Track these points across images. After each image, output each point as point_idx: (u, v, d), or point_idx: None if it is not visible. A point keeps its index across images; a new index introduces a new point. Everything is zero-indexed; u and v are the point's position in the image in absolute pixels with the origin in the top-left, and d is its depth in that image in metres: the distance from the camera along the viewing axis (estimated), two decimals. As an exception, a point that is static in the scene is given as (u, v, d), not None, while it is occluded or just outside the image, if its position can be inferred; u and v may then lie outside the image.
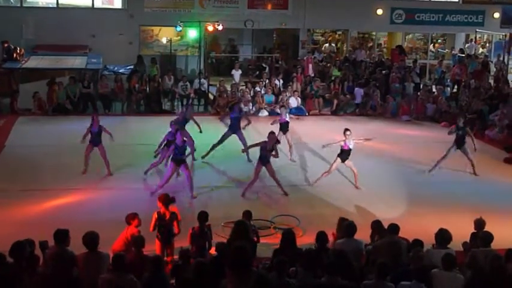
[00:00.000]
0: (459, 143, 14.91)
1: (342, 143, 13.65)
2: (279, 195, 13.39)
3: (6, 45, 22.61)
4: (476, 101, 21.02)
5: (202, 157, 15.50)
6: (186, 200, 12.69)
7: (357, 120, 14.21)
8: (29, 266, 7.47)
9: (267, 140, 13.35)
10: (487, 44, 30.95)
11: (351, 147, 13.64)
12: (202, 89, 22.87)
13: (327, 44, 29.23)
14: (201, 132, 15.88)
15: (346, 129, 13.79)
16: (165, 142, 13.98)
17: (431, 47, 30.76)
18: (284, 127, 15.88)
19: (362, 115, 21.82)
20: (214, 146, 15.59)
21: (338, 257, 7.59)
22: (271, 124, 15.87)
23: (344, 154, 13.70)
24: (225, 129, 15.93)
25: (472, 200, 13.21)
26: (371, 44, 30.10)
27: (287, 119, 15.99)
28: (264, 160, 13.32)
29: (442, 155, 14.97)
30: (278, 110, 21.22)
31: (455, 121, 15.88)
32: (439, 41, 31.63)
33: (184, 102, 21.67)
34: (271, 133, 13.59)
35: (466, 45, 29.10)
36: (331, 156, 14.18)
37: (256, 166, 13.48)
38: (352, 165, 13.83)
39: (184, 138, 13.24)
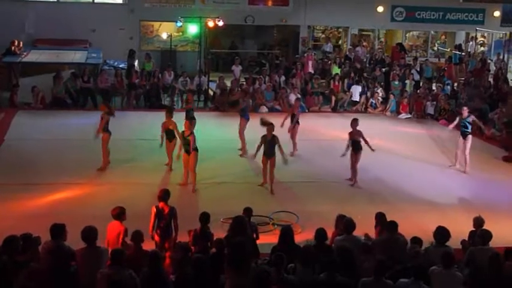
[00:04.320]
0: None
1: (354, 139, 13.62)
2: (278, 191, 13.33)
3: None
4: (476, 99, 20.99)
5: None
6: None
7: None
8: (23, 261, 7.40)
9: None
10: (485, 42, 30.92)
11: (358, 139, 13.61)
12: (203, 88, 22.84)
13: (324, 44, 29.20)
14: None
15: (354, 120, 13.79)
16: None
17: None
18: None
19: (362, 112, 21.82)
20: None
21: (343, 254, 7.58)
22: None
23: (356, 146, 13.62)
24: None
25: (470, 198, 13.24)
26: (364, 42, 29.98)
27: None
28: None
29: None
30: (278, 107, 21.29)
31: (454, 119, 15.91)
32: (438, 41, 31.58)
33: (184, 98, 21.62)
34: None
35: (470, 44, 29.12)
36: (332, 152, 14.11)
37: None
38: (358, 162, 13.70)
39: None
